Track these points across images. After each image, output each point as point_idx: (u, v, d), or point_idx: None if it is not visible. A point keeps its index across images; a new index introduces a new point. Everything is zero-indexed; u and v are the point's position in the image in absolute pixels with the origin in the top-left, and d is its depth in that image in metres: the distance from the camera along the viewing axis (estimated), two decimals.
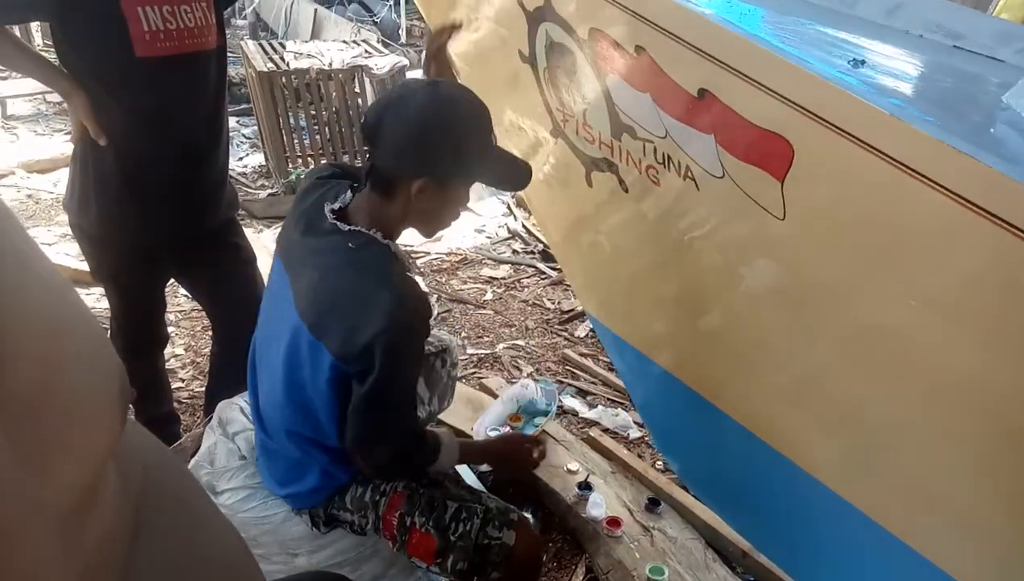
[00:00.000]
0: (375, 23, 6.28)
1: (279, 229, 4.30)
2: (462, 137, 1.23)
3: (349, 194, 1.34)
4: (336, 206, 1.31)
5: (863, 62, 1.07)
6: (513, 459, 1.64)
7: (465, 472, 2.15)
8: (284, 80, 4.06)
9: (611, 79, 1.31)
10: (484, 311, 3.19)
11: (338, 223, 1.27)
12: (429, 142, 1.20)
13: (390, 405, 1.27)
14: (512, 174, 1.36)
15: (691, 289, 1.42)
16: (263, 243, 3.66)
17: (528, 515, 1.96)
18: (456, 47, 1.95)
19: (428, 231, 1.38)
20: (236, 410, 1.72)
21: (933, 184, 0.77)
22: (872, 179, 0.83)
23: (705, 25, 1.01)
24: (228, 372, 2.09)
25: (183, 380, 2.62)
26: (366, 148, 1.30)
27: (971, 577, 1.01)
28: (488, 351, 2.87)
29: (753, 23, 1.29)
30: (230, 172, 4.71)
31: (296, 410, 1.34)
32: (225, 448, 1.64)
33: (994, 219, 0.74)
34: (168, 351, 2.78)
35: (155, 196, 1.71)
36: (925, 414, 0.99)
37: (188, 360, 2.74)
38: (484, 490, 1.53)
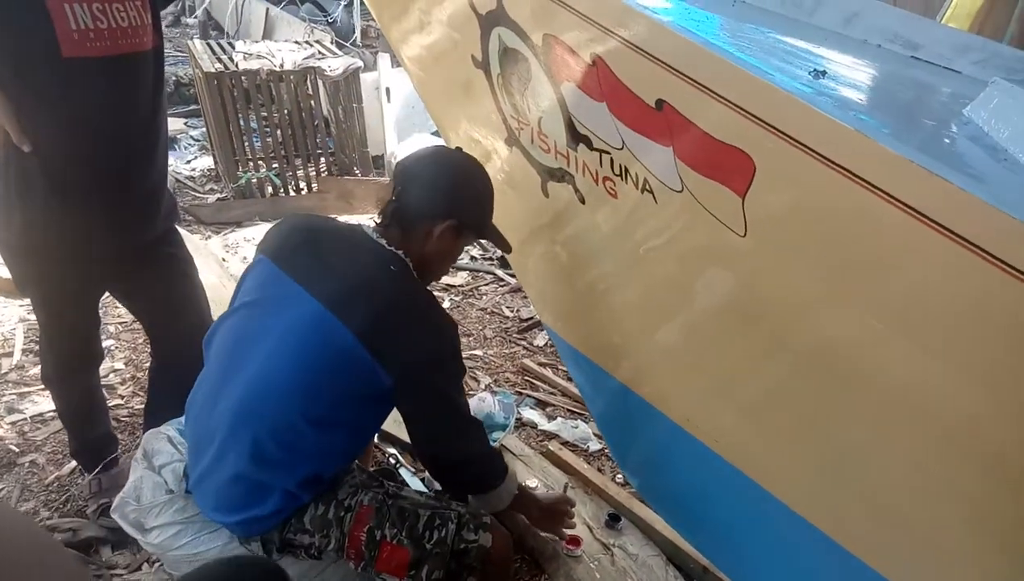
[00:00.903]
0: (329, 24, 6.15)
1: (229, 235, 4.13)
2: (485, 194, 1.43)
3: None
4: (372, 224, 1.42)
5: (824, 73, 1.04)
6: (558, 520, 1.75)
7: (419, 488, 2.08)
8: (233, 81, 3.92)
9: (566, 87, 1.26)
10: None
11: (384, 242, 1.36)
12: (462, 190, 1.40)
13: (467, 429, 1.42)
14: (502, 242, 1.52)
15: (649, 304, 1.39)
16: (211, 250, 3.53)
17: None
18: (409, 50, 1.89)
19: (430, 277, 1.47)
20: (163, 440, 1.61)
21: (899, 203, 0.73)
22: (837, 197, 0.79)
23: (662, 33, 0.97)
24: (168, 389, 1.99)
25: (122, 397, 2.49)
26: (395, 187, 1.40)
27: None
28: None
29: (711, 31, 1.26)
30: (177, 176, 4.51)
31: (301, 396, 1.29)
32: (151, 482, 1.53)
33: (957, 238, 0.70)
34: (107, 365, 2.65)
35: (84, 207, 1.60)
36: (882, 432, 0.96)
37: (128, 375, 2.61)
38: (450, 500, 1.47)
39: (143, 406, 2.14)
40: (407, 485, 2.05)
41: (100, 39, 1.51)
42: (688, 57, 0.93)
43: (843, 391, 0.99)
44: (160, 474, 1.52)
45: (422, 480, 2.10)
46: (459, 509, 1.39)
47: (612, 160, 1.22)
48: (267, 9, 6.14)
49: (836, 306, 0.93)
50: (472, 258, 3.71)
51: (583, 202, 1.41)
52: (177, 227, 1.89)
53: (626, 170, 1.20)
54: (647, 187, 1.16)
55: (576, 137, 1.30)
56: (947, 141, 0.92)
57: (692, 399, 1.38)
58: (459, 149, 1.47)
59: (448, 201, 1.37)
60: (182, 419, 1.66)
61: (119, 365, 2.66)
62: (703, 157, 0.98)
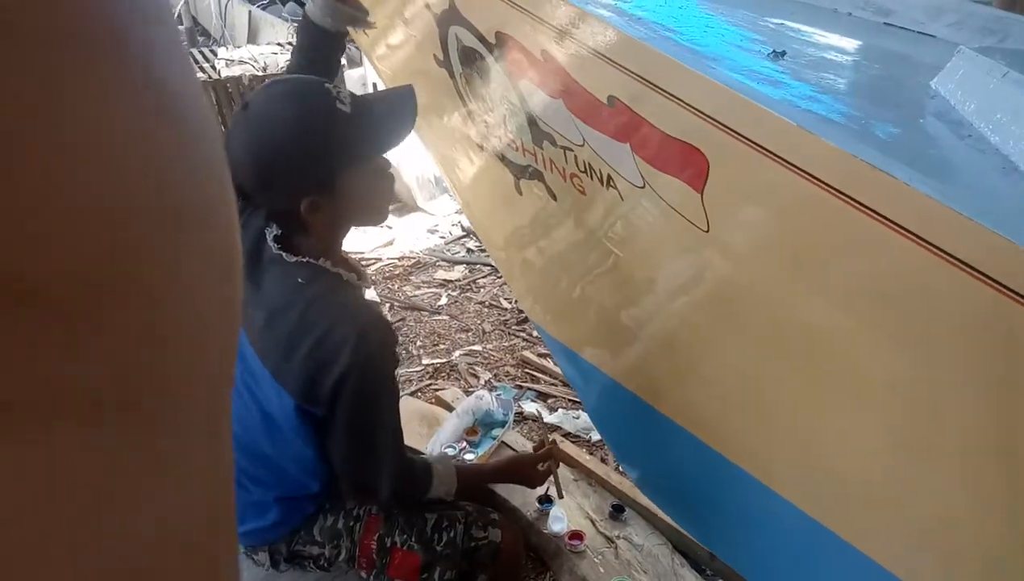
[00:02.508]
0: None
1: None
2: (298, 147, 1.08)
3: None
4: (278, 232, 1.18)
5: (783, 53, 1.00)
6: (522, 480, 1.58)
7: None
8: (216, 89, 3.89)
9: (524, 84, 1.23)
10: (439, 317, 3.10)
11: (284, 254, 1.16)
12: (270, 172, 1.09)
13: (376, 445, 1.23)
14: (396, 118, 1.17)
15: (629, 298, 1.35)
16: None
17: None
18: (377, 51, 1.85)
19: (367, 221, 1.27)
20: None
21: (849, 199, 0.70)
22: (791, 193, 0.75)
23: (604, 28, 0.93)
24: None
25: None
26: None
27: None
28: (444, 360, 2.78)
29: (674, 7, 1.22)
30: None
31: (256, 460, 1.25)
32: None
33: (912, 237, 0.67)
34: None
35: None
36: (853, 421, 0.93)
37: None
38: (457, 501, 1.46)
39: None
40: None
41: None
42: (631, 53, 0.90)
43: (815, 381, 0.97)
44: None
45: None
46: (467, 508, 1.39)
47: (576, 157, 1.19)
48: (250, 11, 6.08)
49: (798, 297, 0.90)
50: (468, 250, 3.68)
51: (555, 199, 1.38)
52: None
53: (590, 166, 1.16)
54: (611, 183, 1.13)
55: (540, 135, 1.26)
56: (912, 120, 0.88)
57: (679, 392, 1.36)
58: (244, 105, 1.11)
59: (274, 189, 1.11)
60: None
61: None
62: (658, 154, 0.94)
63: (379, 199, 1.25)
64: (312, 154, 1.08)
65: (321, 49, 1.41)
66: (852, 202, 0.66)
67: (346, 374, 1.11)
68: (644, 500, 1.96)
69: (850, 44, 1.21)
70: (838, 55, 1.13)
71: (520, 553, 1.46)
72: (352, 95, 1.13)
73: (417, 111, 1.17)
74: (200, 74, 3.94)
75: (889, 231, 0.64)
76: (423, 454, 1.47)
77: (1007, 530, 0.81)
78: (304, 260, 1.16)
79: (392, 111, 1.17)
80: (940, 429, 0.81)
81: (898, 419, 0.86)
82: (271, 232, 1.18)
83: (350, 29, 1.47)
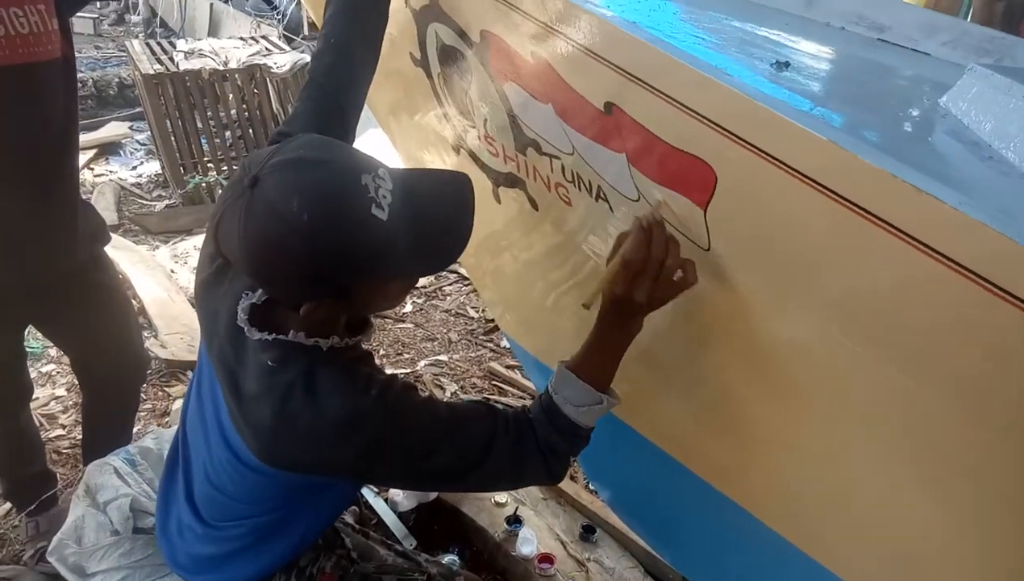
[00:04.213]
0: (278, 19, 5.93)
1: (178, 244, 3.95)
2: (313, 258, 0.82)
3: None
4: (254, 300, 0.96)
5: (787, 64, 0.95)
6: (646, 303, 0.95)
7: (384, 511, 1.98)
8: (174, 82, 3.73)
9: (509, 87, 1.15)
10: (404, 325, 3.01)
11: (246, 327, 0.94)
12: (270, 273, 0.85)
13: (472, 465, 0.99)
14: (445, 235, 0.91)
15: None
16: (159, 262, 3.36)
17: (455, 557, 1.81)
18: None
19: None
20: (109, 473, 1.49)
21: (879, 221, 0.64)
22: (812, 214, 0.69)
23: (607, 29, 0.86)
24: (102, 425, 1.86)
25: (63, 426, 2.34)
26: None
27: None
28: (409, 370, 2.69)
29: (666, 20, 1.16)
30: (122, 184, 4.33)
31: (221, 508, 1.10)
32: (95, 521, 1.42)
33: (947, 261, 0.61)
34: (47, 392, 2.50)
35: None
36: (846, 437, 0.88)
37: (71, 402, 2.45)
38: (420, 555, 1.35)
39: None
40: (374, 519, 1.95)
41: None
42: (635, 55, 0.83)
43: (811, 403, 0.92)
44: (105, 512, 1.41)
45: (385, 501, 2.00)
46: (429, 570, 1.27)
47: (563, 165, 1.12)
48: (211, 4, 5.90)
49: (806, 328, 0.84)
50: None
51: (536, 209, 1.31)
52: (106, 250, 1.75)
53: (578, 176, 1.10)
54: (601, 195, 1.06)
55: (524, 141, 1.19)
56: (927, 139, 0.83)
57: (653, 408, 1.30)
58: (252, 182, 0.80)
59: (270, 285, 0.90)
60: (130, 448, 1.53)
61: (60, 392, 2.51)
62: (659, 166, 0.88)
63: (397, 301, 1.03)
64: (329, 267, 0.84)
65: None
66: (887, 226, 0.60)
67: (361, 458, 0.95)
68: (615, 520, 1.90)
69: (849, 60, 1.17)
70: (840, 70, 1.09)
71: None
72: (393, 189, 0.84)
73: (473, 222, 0.91)
74: (157, 66, 3.78)
75: (943, 267, 0.58)
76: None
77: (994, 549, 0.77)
78: (270, 338, 0.93)
79: (442, 225, 0.90)
80: (937, 453, 0.77)
81: (893, 441, 0.82)
82: (248, 299, 0.96)
83: None
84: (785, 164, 0.68)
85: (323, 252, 0.81)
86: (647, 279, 0.89)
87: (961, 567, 0.82)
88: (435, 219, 0.88)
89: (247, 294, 0.97)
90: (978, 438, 0.70)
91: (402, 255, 0.86)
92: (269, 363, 0.93)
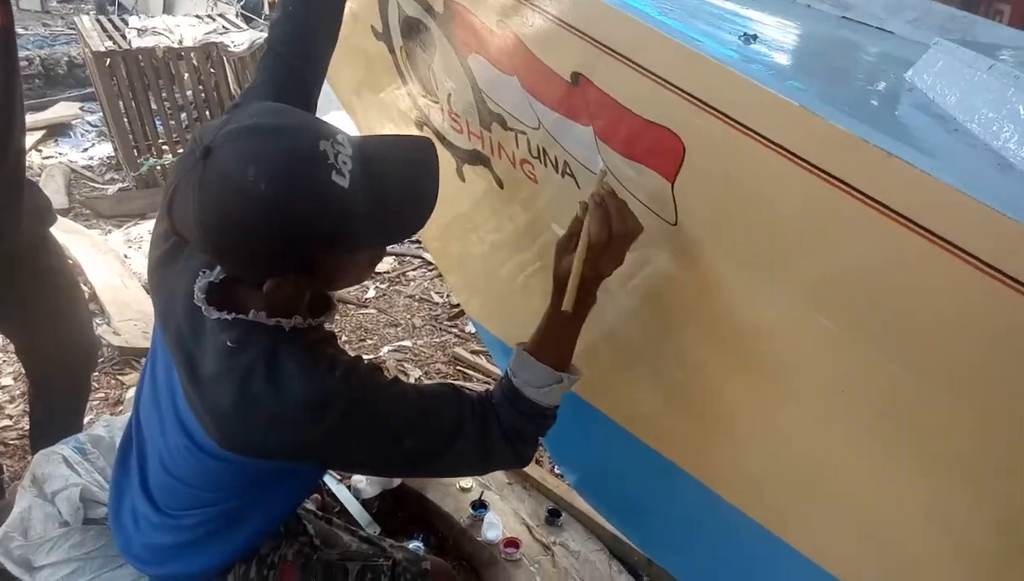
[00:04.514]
0: None
1: (132, 229, 3.82)
2: (271, 230, 0.78)
3: None
4: (212, 278, 0.92)
5: (755, 37, 0.94)
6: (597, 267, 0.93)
7: (347, 498, 1.95)
8: (127, 60, 3.60)
9: (474, 60, 1.12)
10: (367, 310, 2.96)
11: (204, 307, 0.90)
12: (228, 248, 0.81)
13: (432, 440, 0.97)
14: (409, 203, 0.88)
15: None
16: (111, 246, 3.25)
17: (419, 543, 1.79)
18: None
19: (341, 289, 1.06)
20: (57, 462, 1.43)
21: (850, 188, 0.63)
22: (783, 184, 0.68)
23: None
24: (50, 415, 1.78)
25: (11, 416, 2.25)
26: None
27: None
28: (372, 355, 2.64)
29: None
30: (72, 166, 4.18)
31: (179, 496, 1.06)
32: (42, 513, 1.36)
33: (934, 237, 0.60)
34: None
35: None
36: (815, 417, 0.88)
37: (17, 392, 2.36)
38: (385, 540, 1.32)
39: None
40: (336, 507, 1.91)
41: None
42: (605, 22, 0.81)
43: (777, 382, 0.91)
44: (53, 503, 1.35)
45: (348, 488, 1.96)
46: (394, 556, 1.24)
47: (529, 141, 1.10)
48: None
49: (775, 303, 0.84)
50: None
51: (501, 187, 1.28)
52: (52, 232, 1.67)
53: (544, 151, 1.07)
54: (568, 170, 1.04)
55: (489, 116, 1.16)
56: (894, 113, 0.83)
57: (619, 389, 1.29)
58: (205, 152, 0.77)
59: (229, 262, 0.86)
60: (80, 436, 1.47)
61: (7, 381, 2.41)
62: (627, 137, 0.86)
63: (364, 275, 0.99)
64: (290, 239, 0.80)
65: None
66: (859, 195, 0.59)
67: (327, 436, 0.90)
68: (581, 503, 1.90)
69: (815, 35, 1.17)
70: (806, 45, 1.08)
71: None
72: (353, 154, 0.81)
73: (438, 186, 0.88)
74: (108, 43, 3.64)
75: (915, 235, 0.57)
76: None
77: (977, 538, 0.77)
78: (230, 317, 0.89)
79: (406, 190, 0.87)
80: (908, 434, 0.77)
81: (860, 422, 0.82)
82: (205, 277, 0.92)
83: None
84: (755, 132, 0.66)
85: (283, 223, 0.78)
86: (613, 253, 0.88)
87: (936, 552, 0.82)
88: (398, 183, 0.85)
89: (204, 272, 0.93)
90: (944, 405, 0.69)
91: (366, 224, 0.83)
92: (228, 344, 0.89)
